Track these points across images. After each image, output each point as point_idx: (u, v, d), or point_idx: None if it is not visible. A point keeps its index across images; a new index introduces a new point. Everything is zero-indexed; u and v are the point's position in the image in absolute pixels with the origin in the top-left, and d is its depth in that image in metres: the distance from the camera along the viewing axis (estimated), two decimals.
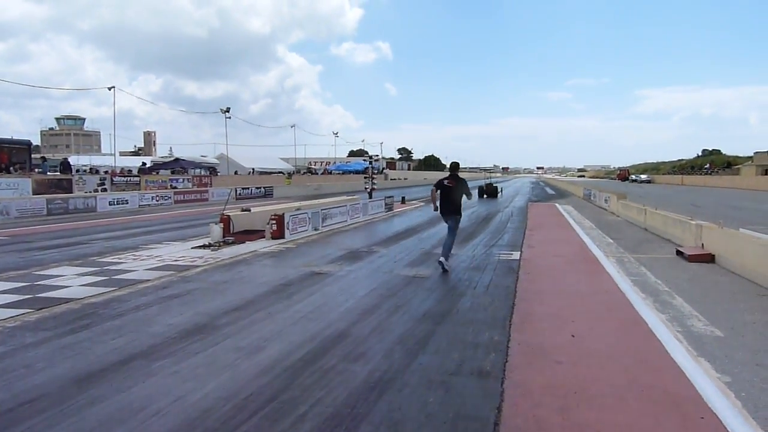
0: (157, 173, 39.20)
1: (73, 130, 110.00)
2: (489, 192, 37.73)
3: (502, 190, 41.51)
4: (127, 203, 27.26)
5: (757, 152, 67.99)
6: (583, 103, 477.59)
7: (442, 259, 9.91)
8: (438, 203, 10.35)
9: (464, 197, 10.40)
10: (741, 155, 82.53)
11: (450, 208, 10.30)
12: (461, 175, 10.57)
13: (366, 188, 26.70)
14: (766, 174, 58.45)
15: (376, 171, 38.89)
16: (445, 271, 9.71)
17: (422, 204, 30.38)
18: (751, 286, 8.47)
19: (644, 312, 6.94)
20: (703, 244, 11.17)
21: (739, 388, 4.49)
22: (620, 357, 5.30)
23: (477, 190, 39.14)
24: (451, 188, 10.26)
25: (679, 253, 11.44)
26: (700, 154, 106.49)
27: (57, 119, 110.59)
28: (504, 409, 4.12)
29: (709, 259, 10.53)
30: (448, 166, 13.61)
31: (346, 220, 18.52)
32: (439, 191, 10.34)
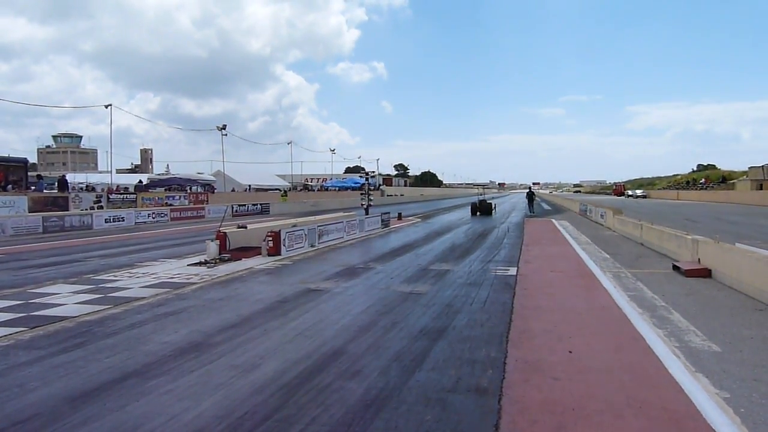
0: (167, 189, 39.18)
1: (69, 148, 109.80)
2: (482, 209, 34.66)
3: (495, 207, 38.00)
4: (124, 221, 27.18)
5: (751, 167, 68.32)
6: (576, 119, 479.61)
7: (530, 214, 34.98)
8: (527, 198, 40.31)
9: (536, 199, 43.27)
10: (736, 170, 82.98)
11: (530, 198, 39.57)
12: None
13: (362, 204, 26.77)
14: (761, 188, 58.64)
15: (372, 187, 38.88)
16: (532, 214, 34.83)
17: (419, 220, 30.41)
18: (748, 300, 8.47)
19: (641, 327, 6.93)
20: (699, 259, 11.19)
21: (737, 403, 4.47)
22: (618, 373, 5.28)
23: (469, 208, 36.19)
24: (530, 194, 40.75)
25: (675, 268, 11.44)
26: (695, 168, 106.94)
27: (54, 137, 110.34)
28: (501, 427, 4.09)
29: (706, 273, 10.54)
30: (528, 186, 35.90)
31: (342, 237, 18.51)
32: (527, 195, 41.17)
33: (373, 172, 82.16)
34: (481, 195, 41.31)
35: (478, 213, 34.45)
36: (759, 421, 4.14)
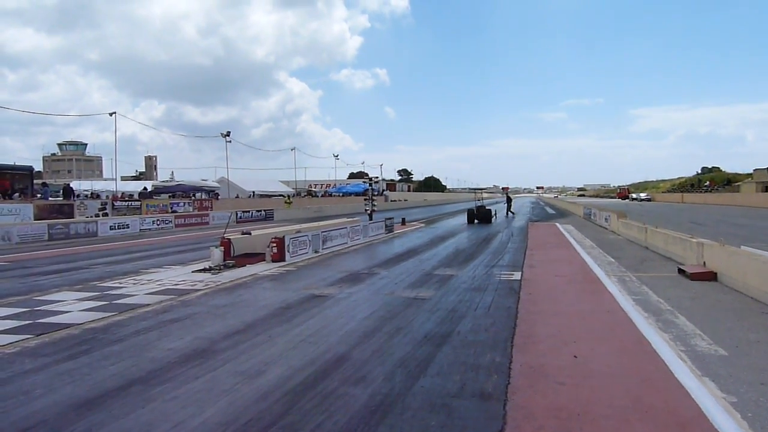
0: (171, 196, 39.30)
1: (74, 156, 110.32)
2: (480, 216, 31.50)
3: (496, 214, 34.75)
4: (128, 228, 27.24)
5: (756, 169, 68.07)
6: (579, 123, 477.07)
7: (509, 215, 38.31)
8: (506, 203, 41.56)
9: (512, 204, 42.69)
10: (741, 172, 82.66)
11: (508, 205, 40.52)
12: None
13: (366, 210, 26.79)
14: (766, 191, 58.45)
15: (376, 193, 38.85)
16: (512, 215, 39.21)
17: (422, 225, 30.37)
18: (755, 304, 8.43)
19: (647, 331, 6.90)
20: (704, 262, 11.14)
21: (745, 408, 4.44)
22: (623, 377, 5.26)
23: (466, 214, 33.07)
24: (509, 199, 42.68)
25: (681, 271, 11.40)
26: (699, 171, 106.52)
27: (59, 145, 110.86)
28: None
29: (712, 277, 10.49)
30: (504, 192, 48.89)
31: (346, 242, 18.51)
32: (506, 200, 42.89)
33: (377, 177, 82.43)
34: (479, 201, 36.29)
35: (475, 221, 31.28)
36: (767, 426, 4.11)
